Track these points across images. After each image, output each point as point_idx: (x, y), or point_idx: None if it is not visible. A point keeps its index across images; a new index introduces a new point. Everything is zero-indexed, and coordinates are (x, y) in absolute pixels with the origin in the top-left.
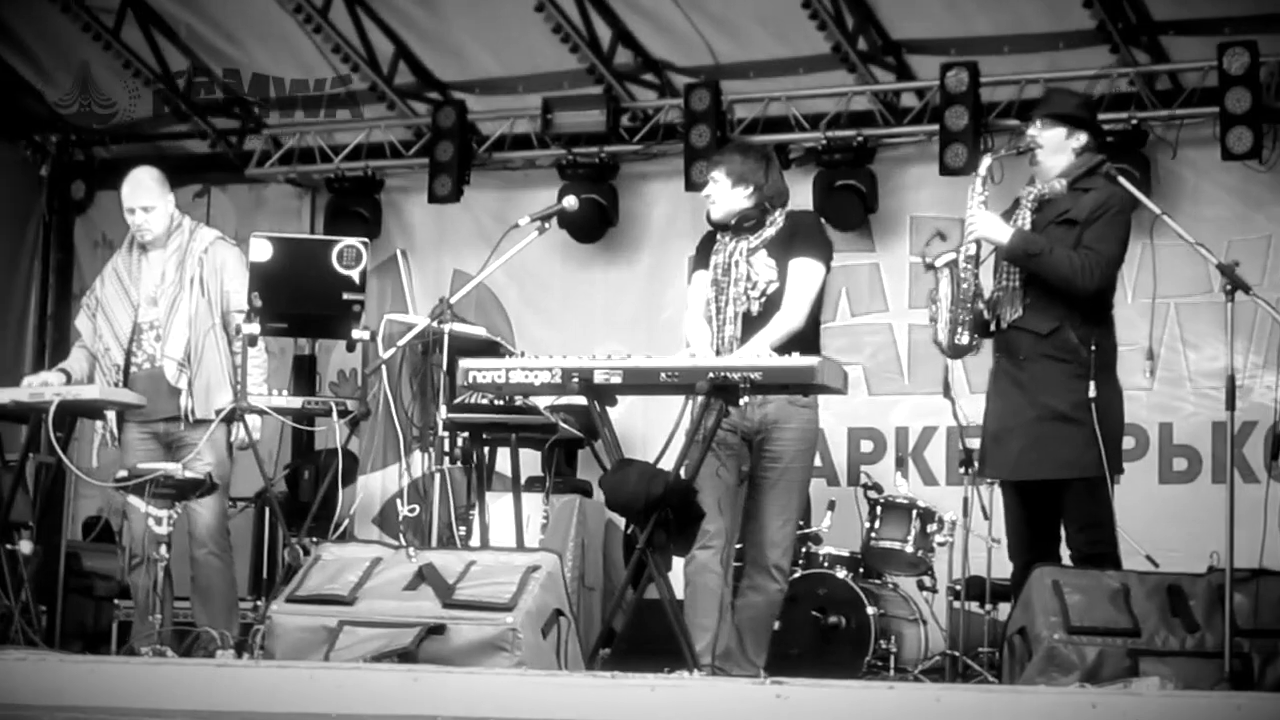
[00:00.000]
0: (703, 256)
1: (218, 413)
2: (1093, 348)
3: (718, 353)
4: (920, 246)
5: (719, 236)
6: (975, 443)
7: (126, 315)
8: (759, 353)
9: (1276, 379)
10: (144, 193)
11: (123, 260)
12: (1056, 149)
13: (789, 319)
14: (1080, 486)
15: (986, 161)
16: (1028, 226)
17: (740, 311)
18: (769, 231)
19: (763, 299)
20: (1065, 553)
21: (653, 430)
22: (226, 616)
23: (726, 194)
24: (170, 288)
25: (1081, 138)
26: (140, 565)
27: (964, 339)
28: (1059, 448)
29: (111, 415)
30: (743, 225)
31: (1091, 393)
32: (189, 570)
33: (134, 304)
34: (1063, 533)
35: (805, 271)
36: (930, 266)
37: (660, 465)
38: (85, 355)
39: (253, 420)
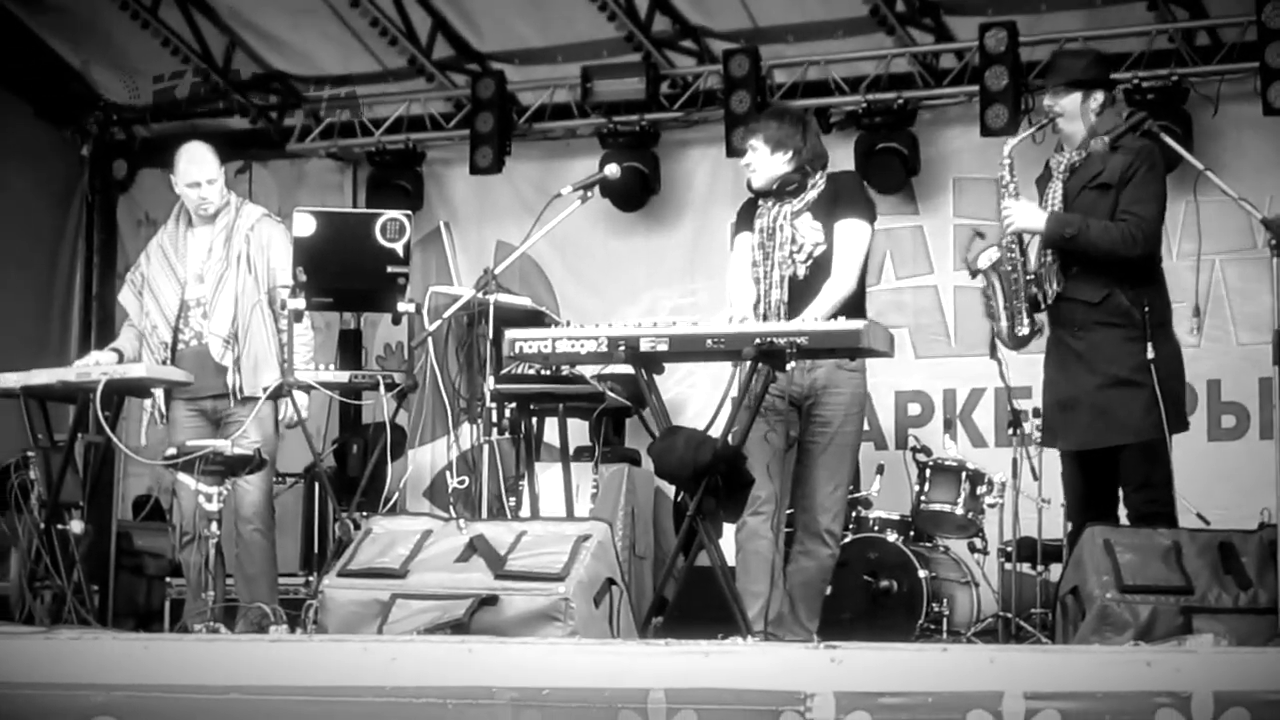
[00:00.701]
0: (745, 221)
1: (265, 390)
2: (1145, 308)
3: (764, 317)
4: (964, 208)
5: (760, 202)
6: (1023, 404)
7: (173, 292)
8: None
9: None
10: (204, 166)
11: (169, 236)
12: (1076, 114)
13: (841, 283)
14: (1140, 448)
15: (1009, 145)
16: (1059, 195)
17: (786, 276)
18: (811, 194)
19: (809, 262)
20: (1122, 513)
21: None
22: (269, 594)
23: (766, 161)
24: (217, 264)
25: (1098, 96)
26: (191, 543)
27: (1024, 330)
28: (1123, 413)
29: (159, 393)
30: (785, 190)
31: (1150, 354)
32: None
33: (180, 281)
34: (1120, 493)
35: (852, 233)
36: (976, 271)
37: (709, 432)
38: (135, 334)
39: (301, 398)
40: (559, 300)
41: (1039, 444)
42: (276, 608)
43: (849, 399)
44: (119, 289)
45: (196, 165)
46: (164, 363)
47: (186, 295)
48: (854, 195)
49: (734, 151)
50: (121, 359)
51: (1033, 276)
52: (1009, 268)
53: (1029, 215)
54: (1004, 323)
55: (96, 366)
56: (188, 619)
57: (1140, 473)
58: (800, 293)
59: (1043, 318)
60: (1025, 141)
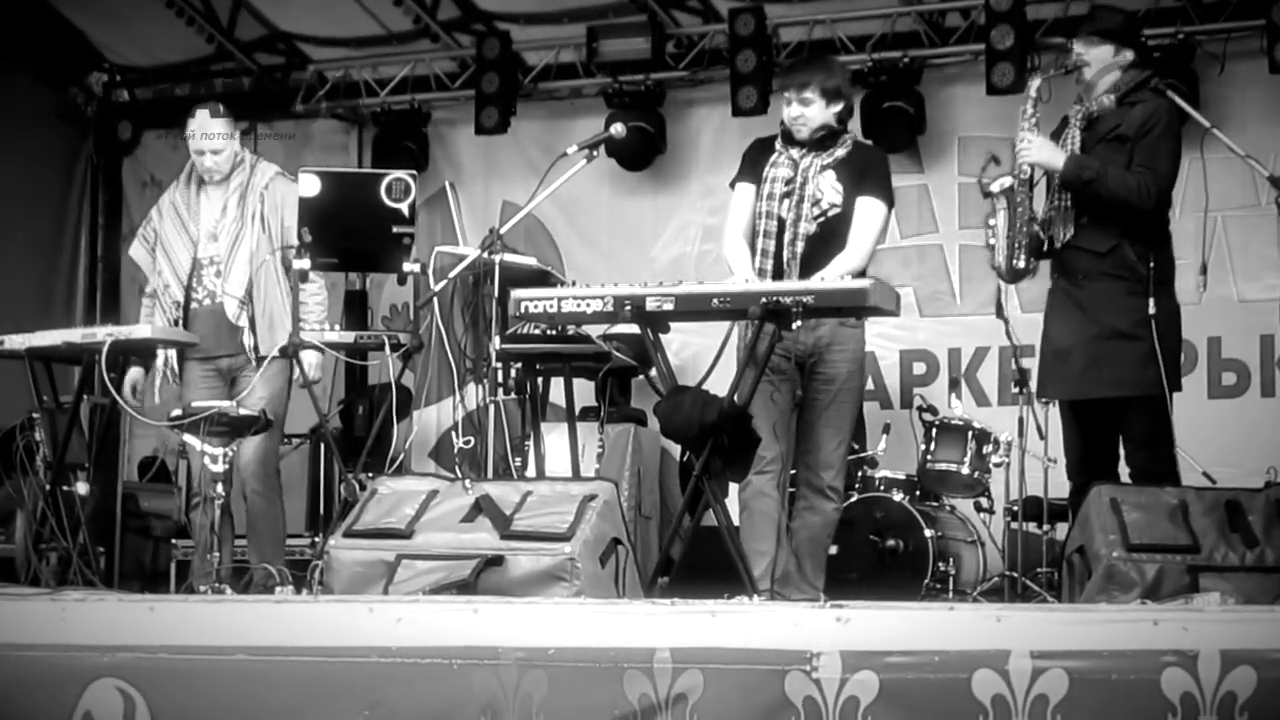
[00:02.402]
0: (750, 169)
1: (281, 353)
2: (1151, 264)
3: (777, 270)
4: (969, 166)
5: (783, 149)
6: (1029, 363)
7: (186, 251)
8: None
9: None
10: (210, 133)
11: (181, 194)
12: (1104, 66)
13: (852, 259)
14: (1140, 404)
15: (1035, 83)
16: (1077, 145)
17: (805, 231)
18: (840, 151)
19: (821, 219)
20: (1124, 471)
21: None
22: (273, 554)
23: (821, 112)
24: (232, 224)
25: (1128, 54)
26: (199, 504)
27: (1021, 263)
28: (1119, 366)
29: (172, 352)
30: (823, 141)
31: (1151, 309)
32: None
33: (193, 239)
34: (1121, 451)
35: (875, 213)
36: (987, 194)
37: (714, 391)
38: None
39: (312, 357)
40: (564, 260)
41: (1045, 402)
42: (282, 568)
43: (852, 356)
44: (124, 250)
45: (204, 132)
46: (176, 322)
47: (199, 254)
48: (883, 177)
49: (740, 110)
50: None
51: (1042, 218)
52: (1018, 198)
53: (1047, 151)
54: (1003, 252)
55: (102, 328)
56: (194, 580)
57: (1143, 429)
58: (811, 248)
59: (1041, 262)
60: (1041, 83)
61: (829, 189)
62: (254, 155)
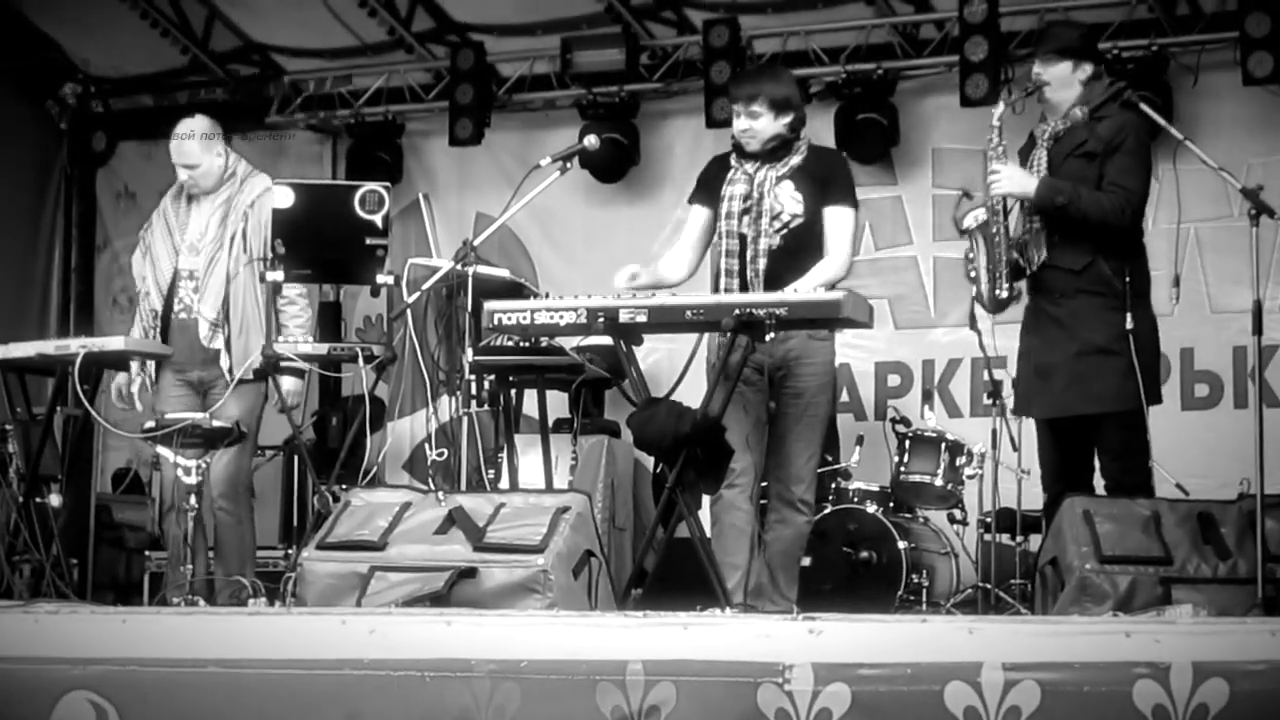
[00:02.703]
0: (706, 188)
1: (256, 373)
2: (1127, 279)
3: (745, 286)
4: (943, 178)
5: (738, 164)
6: (1002, 374)
7: (169, 261)
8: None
9: None
10: (187, 154)
11: (172, 203)
12: (1064, 84)
13: (831, 268)
14: (1117, 417)
15: (999, 109)
16: (1044, 163)
17: (769, 246)
18: (795, 159)
19: (784, 232)
20: (1099, 483)
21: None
22: (239, 570)
23: (770, 124)
24: (211, 243)
25: (1087, 68)
26: (171, 514)
27: (1004, 293)
28: (1099, 382)
29: (150, 364)
30: (775, 152)
31: (1128, 324)
32: None
33: (176, 249)
34: (1096, 463)
35: (845, 220)
36: (963, 231)
37: (685, 403)
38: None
39: (291, 384)
40: (538, 272)
41: (1015, 413)
42: (255, 581)
43: (821, 369)
44: (98, 261)
45: (180, 153)
46: (149, 332)
47: (180, 265)
48: (847, 180)
49: (714, 122)
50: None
51: (1014, 242)
52: (994, 230)
53: (1019, 180)
54: (985, 284)
55: (75, 339)
56: (168, 591)
57: (1118, 442)
58: (777, 261)
59: (1022, 285)
60: (1005, 111)
61: (788, 200)
62: (247, 167)
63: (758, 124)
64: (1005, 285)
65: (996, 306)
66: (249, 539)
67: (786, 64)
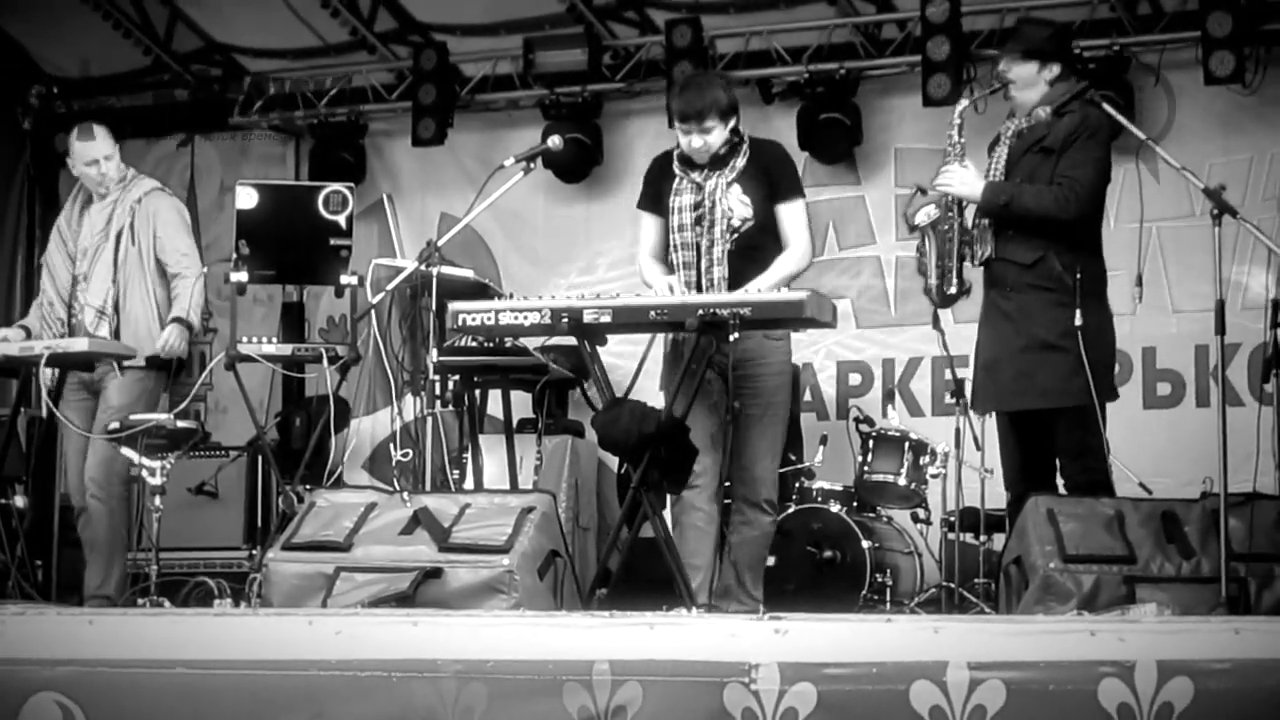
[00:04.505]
0: (654, 195)
1: (146, 359)
2: (1078, 275)
3: (704, 292)
4: (906, 178)
5: (685, 173)
6: (965, 373)
7: (66, 270)
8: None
9: (1265, 300)
10: (100, 144)
11: (64, 217)
12: (1029, 83)
13: (794, 259)
14: (1071, 415)
15: (961, 105)
16: (1003, 160)
17: (724, 251)
18: (740, 161)
19: (735, 236)
20: (1060, 481)
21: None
22: (106, 569)
23: (721, 133)
24: (97, 236)
25: (1054, 68)
26: (84, 515)
27: (952, 289)
28: (1045, 377)
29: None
30: (723, 158)
31: (1077, 320)
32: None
33: (70, 257)
34: (1057, 462)
35: (798, 213)
36: (914, 227)
37: (648, 403)
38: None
39: (172, 331)
40: (501, 272)
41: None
42: (221, 581)
43: (778, 369)
44: None
45: (95, 145)
46: (61, 338)
47: (76, 270)
48: (792, 173)
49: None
50: (29, 335)
51: (968, 237)
52: (945, 227)
53: (966, 183)
54: (934, 280)
55: (40, 340)
56: (85, 597)
57: (1073, 441)
58: (730, 270)
59: (972, 278)
60: (969, 110)
61: (737, 204)
62: (134, 173)
63: (711, 138)
64: (955, 281)
65: (945, 301)
66: (119, 527)
67: (749, 64)
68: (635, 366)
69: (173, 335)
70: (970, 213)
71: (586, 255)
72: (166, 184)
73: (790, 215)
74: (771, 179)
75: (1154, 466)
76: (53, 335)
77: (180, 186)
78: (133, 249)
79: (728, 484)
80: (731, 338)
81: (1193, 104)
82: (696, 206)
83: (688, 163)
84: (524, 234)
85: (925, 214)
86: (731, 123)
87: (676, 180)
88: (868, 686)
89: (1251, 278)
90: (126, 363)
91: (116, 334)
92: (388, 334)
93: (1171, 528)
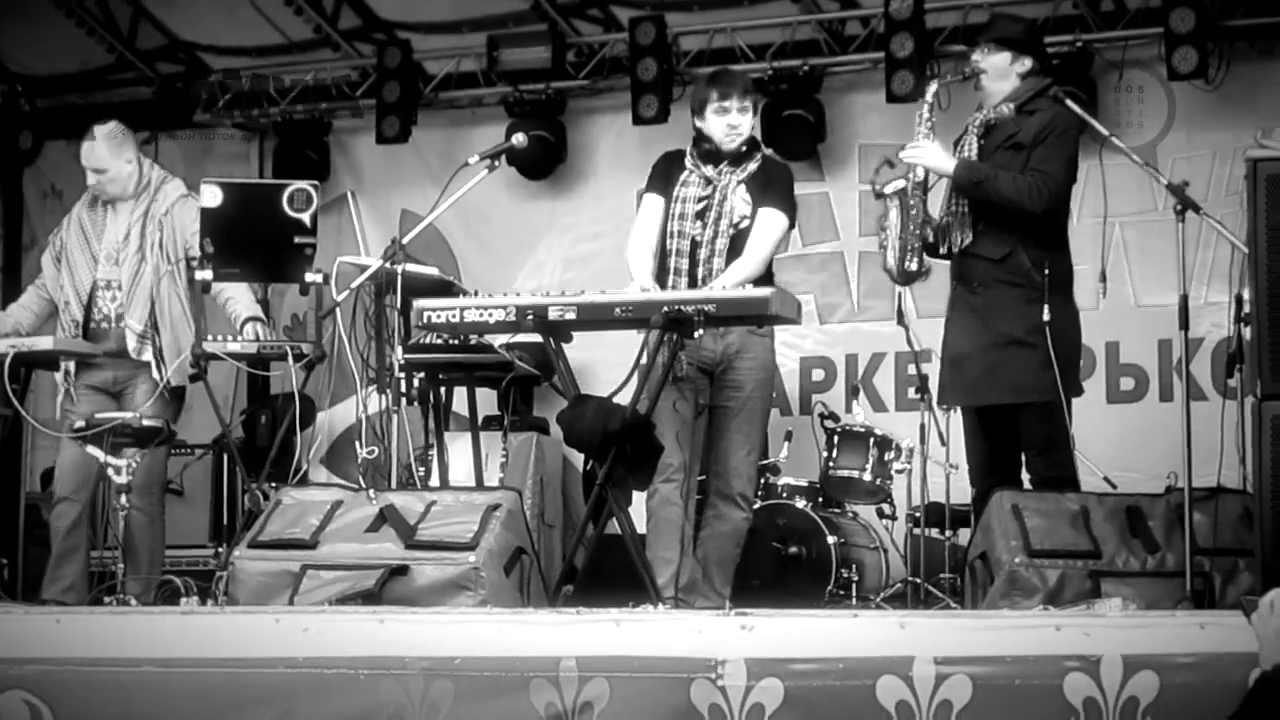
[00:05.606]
0: (662, 182)
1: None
2: (1046, 271)
3: (700, 281)
4: (869, 175)
5: (691, 165)
6: (929, 368)
7: (87, 269)
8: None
9: (1229, 297)
10: (97, 157)
11: (87, 210)
12: (1001, 74)
13: (746, 267)
14: (1036, 410)
15: (933, 87)
16: (974, 153)
17: (723, 247)
18: (752, 165)
19: (732, 232)
20: (1025, 476)
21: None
22: (149, 571)
23: (750, 122)
24: (134, 255)
25: (1026, 62)
26: (59, 505)
27: (913, 265)
28: (1013, 372)
29: (71, 364)
30: (741, 157)
31: (1045, 316)
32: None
33: (94, 257)
34: (1023, 457)
35: (773, 224)
36: (880, 195)
37: (617, 400)
38: (37, 299)
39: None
40: (461, 268)
41: (945, 409)
42: (188, 580)
43: (760, 364)
44: (25, 260)
45: (91, 156)
46: (77, 338)
47: (99, 274)
48: (787, 189)
49: (640, 119)
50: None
51: (938, 224)
52: (911, 201)
53: (935, 156)
54: (894, 254)
55: (5, 339)
56: (44, 592)
57: (1041, 436)
58: (727, 265)
59: (931, 265)
60: (939, 88)
61: (740, 202)
62: (160, 173)
63: (747, 119)
64: (915, 259)
65: (905, 278)
66: (160, 538)
67: (713, 60)
68: (631, 364)
69: (262, 334)
70: (941, 200)
71: (548, 252)
72: None
73: (765, 220)
74: (768, 185)
75: (1119, 461)
76: (68, 335)
77: None
78: (166, 267)
79: (702, 478)
80: (697, 334)
81: (1156, 100)
82: (701, 200)
83: (705, 156)
84: (486, 231)
85: (893, 185)
86: (755, 118)
87: (686, 173)
88: (834, 682)
89: (1214, 273)
90: (174, 380)
91: (160, 354)
92: (353, 332)
93: (1136, 522)
